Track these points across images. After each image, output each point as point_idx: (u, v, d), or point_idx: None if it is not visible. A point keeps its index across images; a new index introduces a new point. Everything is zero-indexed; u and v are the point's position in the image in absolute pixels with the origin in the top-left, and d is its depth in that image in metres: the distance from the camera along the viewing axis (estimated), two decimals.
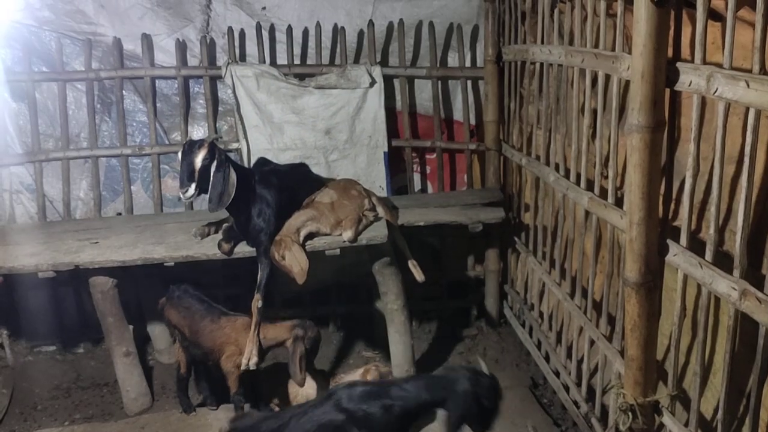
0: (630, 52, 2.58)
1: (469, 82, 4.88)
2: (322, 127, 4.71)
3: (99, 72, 4.55)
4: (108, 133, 4.71)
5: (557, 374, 3.88)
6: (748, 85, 2.07)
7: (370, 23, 4.70)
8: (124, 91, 4.62)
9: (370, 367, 3.50)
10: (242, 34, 4.70)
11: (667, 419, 2.72)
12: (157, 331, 4.39)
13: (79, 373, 4.42)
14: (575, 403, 3.60)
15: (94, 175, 4.62)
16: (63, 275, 3.74)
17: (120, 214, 4.69)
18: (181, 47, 4.63)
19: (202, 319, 3.58)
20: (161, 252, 3.67)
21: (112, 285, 3.75)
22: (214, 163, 3.43)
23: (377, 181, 4.78)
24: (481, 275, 4.90)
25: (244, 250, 3.70)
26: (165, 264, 3.67)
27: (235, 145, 4.67)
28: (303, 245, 3.58)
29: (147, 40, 4.56)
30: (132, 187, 4.70)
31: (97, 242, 3.85)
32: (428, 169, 5.09)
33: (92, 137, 4.60)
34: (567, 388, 3.73)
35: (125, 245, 3.78)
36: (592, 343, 3.40)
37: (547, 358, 4.08)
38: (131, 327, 3.98)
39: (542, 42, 3.79)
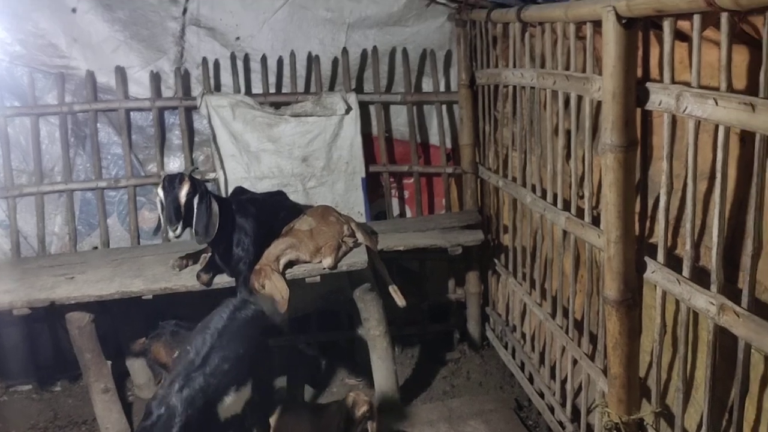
0: (600, 74, 2.63)
1: (444, 107, 4.93)
2: (299, 154, 4.71)
3: (72, 105, 4.51)
4: (83, 167, 4.66)
5: (542, 395, 3.87)
6: (716, 103, 2.11)
7: (344, 51, 4.74)
8: (98, 124, 4.59)
9: (354, 395, 3.45)
10: (216, 64, 4.70)
11: None
12: (137, 366, 4.30)
13: (56, 411, 4.31)
14: (560, 423, 3.59)
15: (69, 210, 4.57)
16: (38, 312, 3.67)
17: (96, 248, 4.63)
18: (156, 79, 4.62)
19: None
20: (139, 285, 3.63)
21: (89, 320, 3.69)
22: (197, 197, 3.43)
23: (356, 207, 4.78)
24: (462, 298, 4.90)
25: (223, 280, 3.67)
26: (143, 297, 3.62)
27: (212, 175, 4.65)
28: (283, 273, 3.56)
29: (120, 72, 4.54)
30: (108, 220, 4.64)
31: (72, 277, 3.79)
32: (406, 194, 5.10)
33: (66, 171, 4.56)
34: (552, 409, 3.72)
35: (102, 279, 3.73)
36: (575, 362, 3.40)
37: (531, 380, 4.07)
38: (109, 362, 3.91)
39: (514, 65, 3.85)
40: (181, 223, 3.39)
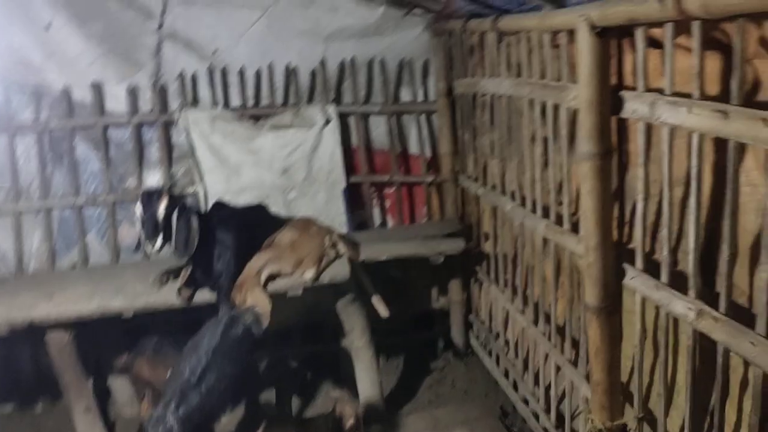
0: (576, 82, 2.65)
1: (423, 116, 4.95)
2: (279, 166, 4.70)
3: (48, 122, 4.47)
4: (60, 184, 4.62)
5: (526, 402, 3.88)
6: (689, 111, 2.14)
7: (323, 62, 4.74)
8: (75, 140, 4.54)
9: (340, 407, 3.44)
10: (194, 77, 4.68)
11: None
12: (119, 383, 4.25)
13: None
14: (545, 430, 3.60)
15: (47, 227, 4.52)
16: (17, 331, 3.62)
17: (75, 265, 4.57)
18: (133, 94, 4.59)
19: None
20: (120, 302, 3.59)
21: (69, 339, 3.65)
22: (176, 211, 3.41)
23: (337, 218, 4.77)
24: (445, 306, 4.90)
25: (204, 295, 3.65)
26: (124, 315, 3.58)
27: (191, 189, 4.63)
28: (265, 287, 3.54)
29: (97, 87, 4.51)
30: (86, 237, 4.60)
31: (52, 296, 3.74)
32: (387, 204, 5.11)
33: (44, 188, 4.51)
34: (537, 416, 3.72)
35: (82, 297, 3.68)
36: (558, 369, 3.41)
37: (515, 387, 4.07)
38: (91, 380, 3.87)
39: (491, 75, 3.87)
40: (160, 238, 3.38)
